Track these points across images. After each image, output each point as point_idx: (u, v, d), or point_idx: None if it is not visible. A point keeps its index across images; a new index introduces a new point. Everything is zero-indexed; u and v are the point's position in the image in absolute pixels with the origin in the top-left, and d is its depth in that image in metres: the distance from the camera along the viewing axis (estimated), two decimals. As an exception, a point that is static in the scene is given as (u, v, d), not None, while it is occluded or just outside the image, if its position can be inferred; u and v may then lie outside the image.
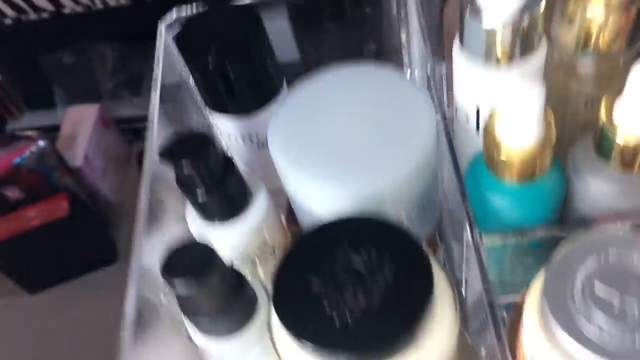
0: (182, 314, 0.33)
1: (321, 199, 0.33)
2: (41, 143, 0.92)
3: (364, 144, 0.33)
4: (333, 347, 0.26)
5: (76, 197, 0.95)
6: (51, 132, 0.97)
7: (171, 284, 0.29)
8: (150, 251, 0.33)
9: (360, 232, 0.29)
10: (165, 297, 0.35)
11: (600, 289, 0.26)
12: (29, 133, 0.93)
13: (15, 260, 0.97)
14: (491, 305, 0.29)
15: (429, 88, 0.39)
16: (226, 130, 0.42)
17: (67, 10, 0.88)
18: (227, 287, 0.31)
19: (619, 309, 0.25)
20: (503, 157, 0.32)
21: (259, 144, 0.42)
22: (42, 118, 1.02)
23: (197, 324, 0.33)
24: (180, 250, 0.30)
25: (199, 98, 0.43)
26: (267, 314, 0.33)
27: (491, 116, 0.33)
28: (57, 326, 0.99)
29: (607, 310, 0.25)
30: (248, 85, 0.40)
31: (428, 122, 0.33)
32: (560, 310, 0.26)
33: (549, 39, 0.36)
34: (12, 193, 0.93)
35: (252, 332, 0.34)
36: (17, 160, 0.92)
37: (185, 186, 0.34)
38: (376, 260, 0.27)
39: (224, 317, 0.32)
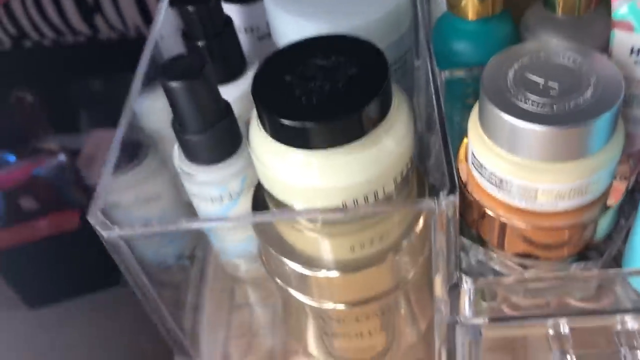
0: (175, 135, 0.35)
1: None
2: (61, 157, 0.96)
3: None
4: (299, 119, 0.28)
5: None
6: (74, 153, 1.01)
7: (167, 87, 0.32)
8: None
9: (330, 44, 0.32)
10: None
11: (529, 76, 0.29)
12: (51, 146, 0.98)
13: (20, 271, 0.98)
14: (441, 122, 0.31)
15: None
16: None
17: (102, 36, 0.96)
18: (217, 100, 0.34)
19: (544, 87, 0.28)
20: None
21: (258, 36, 0.45)
22: (66, 141, 1.07)
23: (186, 146, 0.35)
24: (177, 57, 0.33)
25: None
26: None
27: None
28: (53, 344, 0.98)
29: (534, 89, 0.28)
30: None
31: None
32: (496, 95, 0.28)
33: None
34: (27, 203, 0.96)
35: (235, 164, 0.35)
36: (35, 171, 0.95)
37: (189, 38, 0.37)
38: (342, 61, 0.30)
39: (212, 139, 0.34)
